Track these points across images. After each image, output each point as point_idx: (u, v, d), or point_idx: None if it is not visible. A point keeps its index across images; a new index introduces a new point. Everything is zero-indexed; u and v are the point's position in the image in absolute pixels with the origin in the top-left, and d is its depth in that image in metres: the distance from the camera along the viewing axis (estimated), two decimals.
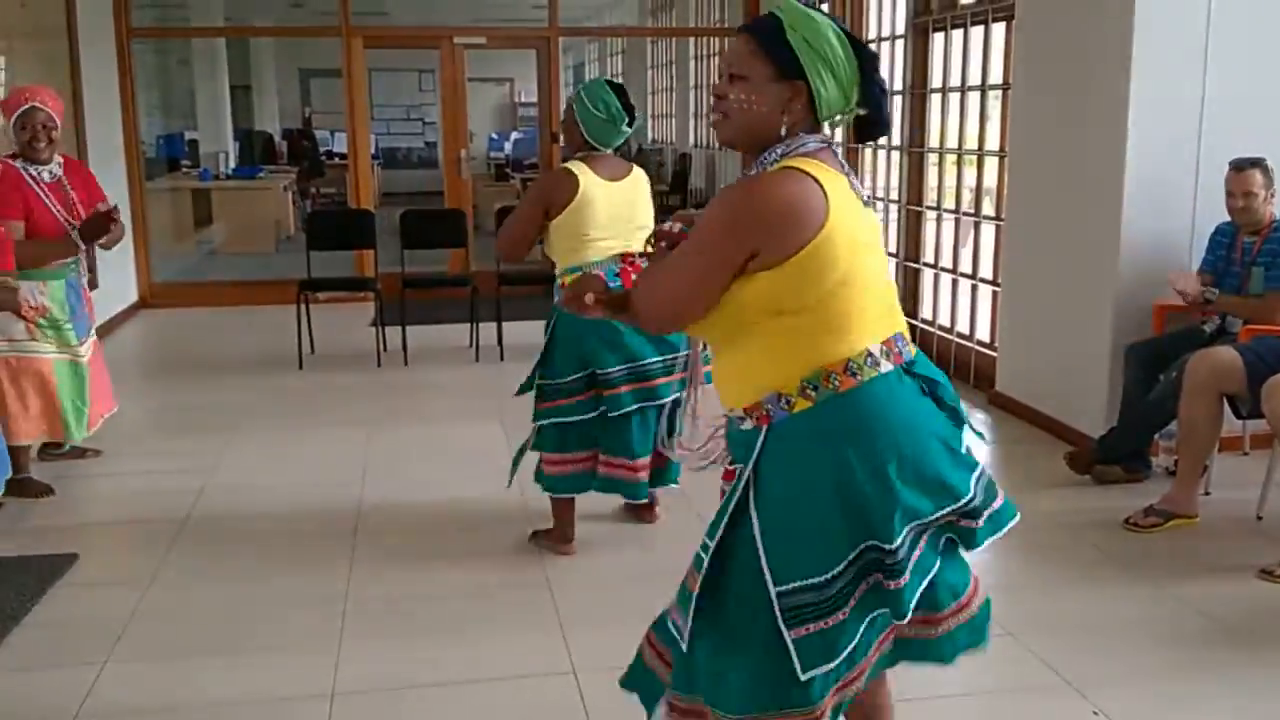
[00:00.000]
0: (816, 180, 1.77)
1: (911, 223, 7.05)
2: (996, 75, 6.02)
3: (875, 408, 1.83)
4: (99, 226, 4.42)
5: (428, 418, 5.68)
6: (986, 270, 6.23)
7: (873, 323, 1.85)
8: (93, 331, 4.78)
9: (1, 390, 4.33)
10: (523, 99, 19.42)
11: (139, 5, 8.72)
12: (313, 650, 3.18)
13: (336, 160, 14.82)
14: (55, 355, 4.48)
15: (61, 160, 4.55)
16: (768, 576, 1.82)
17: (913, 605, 1.85)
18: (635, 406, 3.69)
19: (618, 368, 3.65)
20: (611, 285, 2.01)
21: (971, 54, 6.24)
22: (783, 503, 1.83)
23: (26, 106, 4.36)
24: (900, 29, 7.08)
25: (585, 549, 3.87)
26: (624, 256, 3.65)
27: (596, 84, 3.71)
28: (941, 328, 6.68)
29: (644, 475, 3.80)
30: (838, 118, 1.88)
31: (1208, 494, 4.30)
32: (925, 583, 1.87)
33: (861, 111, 1.87)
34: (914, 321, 6.96)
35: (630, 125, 3.67)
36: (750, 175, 1.86)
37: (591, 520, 4.03)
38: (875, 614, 1.87)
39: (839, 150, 1.91)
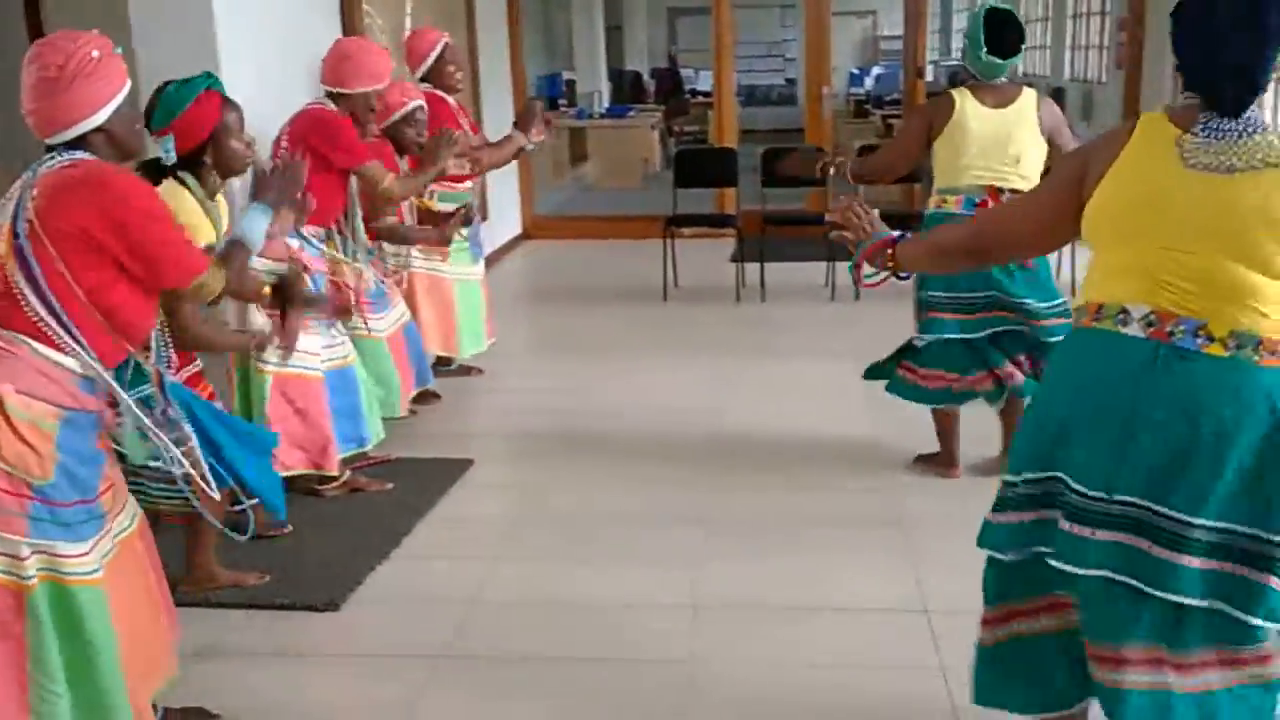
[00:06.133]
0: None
1: None
2: None
3: (1073, 353, 2.02)
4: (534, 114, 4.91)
5: (784, 354, 5.80)
6: None
7: (1151, 285, 1.88)
8: (482, 260, 5.18)
9: (415, 303, 4.73)
10: (885, 32, 18.95)
11: None
12: (675, 563, 3.41)
13: (699, 98, 15.16)
14: (455, 276, 4.91)
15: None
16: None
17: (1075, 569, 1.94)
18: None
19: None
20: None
21: None
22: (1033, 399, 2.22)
23: (445, 40, 4.69)
24: None
25: (946, 491, 3.88)
26: (989, 188, 3.64)
27: (979, 11, 3.73)
28: None
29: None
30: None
31: None
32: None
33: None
34: None
35: (999, 55, 3.64)
36: None
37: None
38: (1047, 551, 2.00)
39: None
